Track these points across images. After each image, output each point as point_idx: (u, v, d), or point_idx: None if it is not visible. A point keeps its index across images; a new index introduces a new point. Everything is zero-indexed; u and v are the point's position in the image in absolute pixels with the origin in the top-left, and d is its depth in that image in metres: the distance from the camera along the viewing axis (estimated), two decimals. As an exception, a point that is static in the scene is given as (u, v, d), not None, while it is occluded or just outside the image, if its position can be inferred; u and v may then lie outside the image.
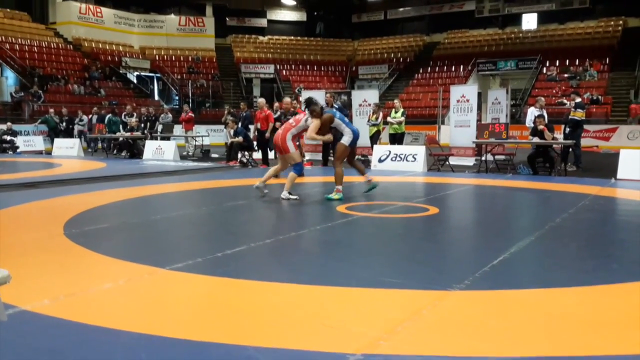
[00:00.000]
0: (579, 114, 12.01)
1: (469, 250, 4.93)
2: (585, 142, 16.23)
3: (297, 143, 7.92)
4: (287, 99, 10.89)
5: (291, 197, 7.37)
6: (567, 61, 28.78)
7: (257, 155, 13.95)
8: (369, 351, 2.52)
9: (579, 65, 28.23)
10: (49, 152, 18.99)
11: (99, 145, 19.82)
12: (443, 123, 23.10)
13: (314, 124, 7.43)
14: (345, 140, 7.51)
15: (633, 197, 8.07)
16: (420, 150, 12.45)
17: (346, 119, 7.93)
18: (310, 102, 7.54)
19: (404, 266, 4.13)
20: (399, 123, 13.81)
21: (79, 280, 3.69)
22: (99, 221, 5.98)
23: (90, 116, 20.60)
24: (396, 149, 12.78)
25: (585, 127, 15.43)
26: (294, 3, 38.54)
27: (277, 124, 10.33)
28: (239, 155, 13.88)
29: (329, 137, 7.70)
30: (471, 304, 3.24)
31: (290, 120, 7.78)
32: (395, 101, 14.99)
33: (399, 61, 35.00)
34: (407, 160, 12.28)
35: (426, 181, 10.40)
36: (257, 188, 7.63)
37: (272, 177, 7.88)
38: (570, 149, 11.90)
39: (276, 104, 15.71)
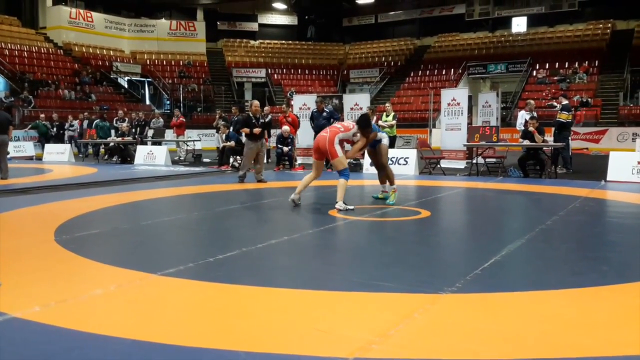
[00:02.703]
0: (564, 116, 12.08)
1: (460, 253, 4.95)
2: (575, 144, 16.34)
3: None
4: (256, 102, 10.94)
5: (348, 207, 6.82)
6: (557, 64, 28.94)
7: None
8: (361, 355, 2.52)
9: (568, 68, 28.42)
10: (39, 158, 18.89)
11: (90, 150, 19.73)
12: (434, 126, 23.18)
13: (361, 143, 7.27)
14: (386, 142, 7.83)
15: (622, 199, 8.14)
16: (411, 154, 12.50)
17: (376, 126, 8.36)
18: (367, 124, 7.26)
19: (396, 269, 4.14)
20: (391, 126, 13.82)
21: (70, 287, 3.68)
22: (90, 227, 5.95)
23: (80, 121, 20.51)
24: (388, 152, 12.78)
25: (575, 129, 15.56)
26: (285, 7, 38.57)
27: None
28: (231, 159, 13.87)
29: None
30: (463, 306, 3.25)
31: (338, 125, 7.43)
32: (387, 105, 15.00)
33: (390, 65, 35.08)
34: (398, 163, 12.31)
35: (418, 184, 10.43)
36: (292, 201, 7.24)
37: (306, 186, 7.46)
38: (560, 152, 11.97)
39: (266, 108, 15.73)
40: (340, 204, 6.86)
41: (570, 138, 12.87)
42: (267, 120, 15.61)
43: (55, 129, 20.52)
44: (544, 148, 11.17)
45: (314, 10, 38.74)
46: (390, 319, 2.97)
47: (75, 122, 20.61)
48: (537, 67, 29.27)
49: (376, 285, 3.63)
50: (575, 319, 3.02)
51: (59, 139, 20.16)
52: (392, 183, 7.65)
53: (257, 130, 10.22)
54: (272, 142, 16.20)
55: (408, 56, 35.87)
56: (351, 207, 6.87)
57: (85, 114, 21.50)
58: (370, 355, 2.53)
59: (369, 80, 34.41)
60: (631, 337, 2.76)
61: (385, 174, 7.78)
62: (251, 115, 10.41)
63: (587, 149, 21.26)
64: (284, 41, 38.82)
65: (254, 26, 39.04)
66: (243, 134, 14.33)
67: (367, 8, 38.24)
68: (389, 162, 12.21)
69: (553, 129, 12.66)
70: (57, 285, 3.71)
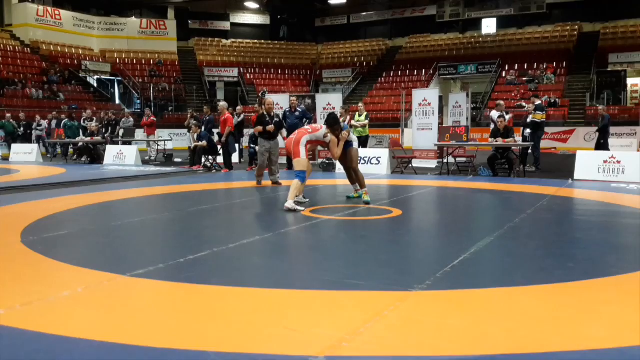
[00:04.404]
0: (539, 116, 12.31)
1: (430, 251, 5.00)
2: (543, 144, 16.62)
3: (309, 150, 7.42)
4: (269, 99, 10.56)
5: (298, 207, 6.79)
6: (526, 65, 29.46)
7: (222, 159, 13.87)
8: (332, 353, 2.53)
9: (537, 69, 28.94)
10: (6, 158, 18.48)
11: (59, 150, 19.40)
12: (406, 126, 23.35)
13: (335, 141, 7.23)
14: (356, 145, 7.82)
15: (589, 197, 8.32)
16: (384, 153, 12.57)
17: (347, 125, 8.30)
18: (335, 121, 7.27)
19: (367, 268, 4.16)
20: (363, 126, 13.89)
21: (36, 289, 3.61)
22: (58, 228, 5.85)
23: (49, 121, 20.16)
24: (360, 152, 12.84)
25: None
26: (257, 6, 38.44)
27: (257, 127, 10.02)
28: (203, 159, 13.78)
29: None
30: (432, 304, 3.29)
31: (307, 127, 7.49)
32: (360, 105, 15.09)
33: (363, 65, 35.25)
34: (371, 163, 12.37)
35: (390, 184, 10.50)
36: (297, 203, 7.08)
37: (303, 185, 7.24)
38: (530, 150, 12.19)
39: (239, 108, 15.68)
40: (289, 203, 6.82)
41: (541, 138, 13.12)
42: (240, 118, 15.57)
43: (22, 129, 20.12)
44: (513, 147, 11.35)
45: (286, 9, 38.69)
46: (361, 317, 2.98)
47: (44, 122, 20.24)
48: (507, 68, 29.74)
49: (347, 283, 3.65)
50: (541, 314, 3.08)
51: (26, 138, 19.78)
52: (362, 186, 7.61)
53: (270, 127, 9.82)
54: (245, 141, 16.17)
55: (380, 56, 36.10)
56: (301, 208, 6.83)
57: (54, 113, 21.16)
58: (341, 353, 2.54)
59: (342, 80, 34.54)
60: (595, 331, 2.83)
61: (355, 176, 7.76)
62: (265, 112, 10.03)
63: (555, 148, 21.69)
64: (256, 40, 38.69)
65: (226, 25, 38.81)
66: (215, 133, 14.35)
67: (340, 8, 38.37)
68: (360, 162, 12.33)
69: (522, 128, 12.89)
70: (23, 288, 3.63)
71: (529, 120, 12.58)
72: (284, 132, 10.38)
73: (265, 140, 9.91)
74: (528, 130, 12.52)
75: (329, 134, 7.23)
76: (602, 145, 13.87)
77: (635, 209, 7.11)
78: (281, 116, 13.66)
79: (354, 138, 7.86)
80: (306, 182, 7.31)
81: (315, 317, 3.04)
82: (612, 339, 2.71)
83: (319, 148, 13.33)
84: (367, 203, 7.35)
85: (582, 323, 2.96)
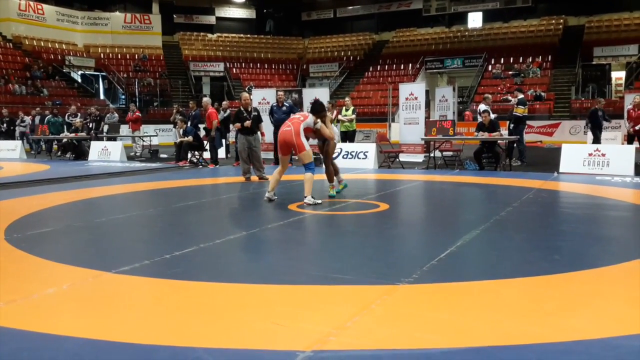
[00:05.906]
0: (520, 110, 12.38)
1: (417, 245, 5.03)
2: (529, 137, 16.74)
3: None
4: (245, 94, 10.56)
5: (317, 201, 6.84)
6: (512, 59, 29.60)
7: (208, 154, 13.80)
8: (319, 347, 2.53)
9: (522, 63, 29.09)
10: (-11, 155, 18.25)
11: (43, 146, 19.20)
12: (393, 120, 23.40)
13: (324, 126, 7.28)
14: (337, 139, 7.83)
15: (574, 189, 8.39)
16: (371, 148, 12.59)
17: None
18: (321, 108, 7.32)
19: (354, 262, 4.17)
20: (350, 121, 13.90)
21: (20, 286, 3.57)
22: (42, 225, 5.78)
23: (32, 117, 19.94)
24: (347, 146, 12.88)
25: (529, 122, 15.99)
26: (243, 0, 38.21)
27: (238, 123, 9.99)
28: (189, 155, 13.70)
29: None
30: (419, 297, 3.30)
31: (297, 115, 7.36)
32: (346, 99, 15.09)
33: (349, 59, 35.21)
34: (358, 157, 12.39)
35: (377, 178, 10.51)
36: (267, 199, 7.17)
37: (278, 182, 7.32)
38: (515, 145, 12.26)
39: (225, 103, 15.58)
40: (309, 199, 6.84)
41: (524, 131, 13.19)
42: (226, 113, 15.47)
43: (5, 125, 19.87)
44: (499, 141, 11.41)
45: (272, 3, 38.51)
46: (348, 311, 2.99)
47: (27, 118, 20.01)
48: (493, 62, 29.85)
49: (334, 278, 3.65)
50: (527, 306, 3.10)
51: (9, 135, 19.54)
52: (330, 180, 7.63)
53: (247, 123, 9.76)
54: (231, 137, 16.09)
55: (367, 51, 36.07)
56: (319, 201, 6.88)
57: (37, 109, 20.91)
58: (328, 347, 2.54)
59: (329, 75, 34.47)
60: (580, 323, 2.86)
61: (326, 168, 7.79)
62: (242, 108, 9.98)
63: (540, 141, 21.84)
64: (242, 35, 38.48)
65: (211, 19, 38.54)
66: (201, 129, 14.27)
67: (326, 2, 38.28)
68: (348, 157, 12.36)
69: (508, 122, 12.95)
70: (7, 285, 3.59)
71: (512, 113, 12.66)
72: (263, 127, 10.37)
73: (244, 136, 9.90)
74: (512, 124, 12.59)
75: (318, 121, 7.21)
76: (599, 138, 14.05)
77: (620, 201, 7.19)
78: (268, 111, 13.65)
79: (336, 132, 7.85)
80: (281, 175, 7.34)
81: (303, 312, 3.03)
82: (596, 330, 2.74)
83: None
84: (331, 197, 7.38)
85: (567, 314, 2.99)
